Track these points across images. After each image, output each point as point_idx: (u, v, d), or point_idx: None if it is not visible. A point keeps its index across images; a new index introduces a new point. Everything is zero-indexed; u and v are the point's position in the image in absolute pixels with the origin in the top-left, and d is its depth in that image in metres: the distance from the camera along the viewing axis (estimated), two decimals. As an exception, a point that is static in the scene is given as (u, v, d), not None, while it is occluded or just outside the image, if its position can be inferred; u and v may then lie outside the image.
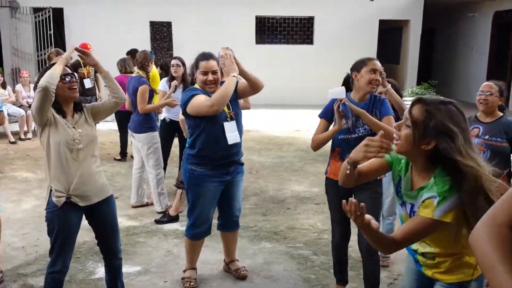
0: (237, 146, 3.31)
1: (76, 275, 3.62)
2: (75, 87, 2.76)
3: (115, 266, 3.03)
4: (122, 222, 4.73)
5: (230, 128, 3.22)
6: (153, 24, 13.24)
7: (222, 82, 3.22)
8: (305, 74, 13.26)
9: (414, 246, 1.99)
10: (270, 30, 13.58)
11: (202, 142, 3.21)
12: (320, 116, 3.15)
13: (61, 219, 2.71)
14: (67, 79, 2.72)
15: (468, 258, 1.91)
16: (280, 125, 10.34)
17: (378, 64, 2.99)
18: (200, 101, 3.10)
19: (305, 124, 10.38)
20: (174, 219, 4.70)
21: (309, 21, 13.49)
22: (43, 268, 3.66)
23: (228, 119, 3.23)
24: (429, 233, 1.81)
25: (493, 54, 13.37)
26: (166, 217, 4.74)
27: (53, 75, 2.60)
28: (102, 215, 2.89)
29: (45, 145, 2.71)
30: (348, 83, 3.12)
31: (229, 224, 3.57)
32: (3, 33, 12.85)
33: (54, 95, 2.60)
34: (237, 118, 3.30)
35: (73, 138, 2.71)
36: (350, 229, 3.21)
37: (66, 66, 2.77)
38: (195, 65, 3.24)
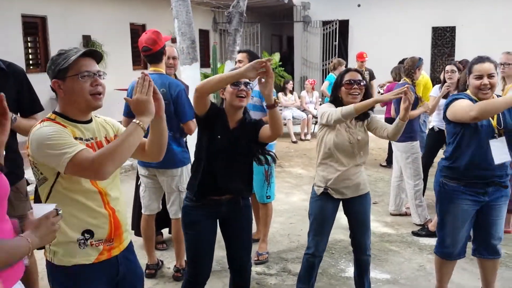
0: (503, 166, 2.90)
1: (328, 269, 3.86)
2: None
3: (362, 261, 3.17)
4: (378, 227, 4.77)
5: (497, 147, 2.84)
6: (435, 30, 12.75)
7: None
8: None
9: None
10: None
11: (460, 155, 2.94)
12: None
13: (318, 206, 3.07)
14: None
15: None
16: None
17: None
18: (461, 106, 2.83)
19: None
20: (433, 234, 4.44)
21: None
22: (302, 256, 4.00)
23: (496, 135, 2.87)
24: None
25: None
26: (424, 231, 4.54)
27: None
28: (354, 210, 3.11)
29: (319, 141, 3.08)
30: None
31: (484, 251, 3.11)
32: (296, 45, 14.61)
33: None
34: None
35: (349, 141, 2.97)
36: None
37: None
38: (469, 70, 2.97)
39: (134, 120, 1.81)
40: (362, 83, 2.99)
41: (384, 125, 3.07)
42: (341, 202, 3.11)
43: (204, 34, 13.55)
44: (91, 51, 1.90)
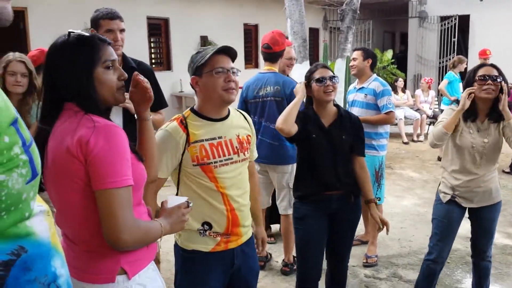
0: None
1: (443, 279, 3.65)
2: None
3: (481, 266, 2.99)
4: (499, 238, 4.41)
5: None
6: None
7: None
8: None
9: None
10: None
11: None
12: None
13: (444, 210, 2.90)
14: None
15: None
16: None
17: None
18: None
19: None
20: None
21: None
22: (414, 263, 3.89)
23: None
24: None
25: None
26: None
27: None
28: (481, 217, 2.90)
29: (444, 146, 2.92)
30: None
31: None
32: (410, 41, 13.96)
33: None
34: None
35: (472, 145, 2.76)
36: None
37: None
38: None
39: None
40: (498, 80, 2.70)
41: None
42: (467, 208, 2.93)
43: (314, 33, 13.53)
44: (227, 48, 1.96)
